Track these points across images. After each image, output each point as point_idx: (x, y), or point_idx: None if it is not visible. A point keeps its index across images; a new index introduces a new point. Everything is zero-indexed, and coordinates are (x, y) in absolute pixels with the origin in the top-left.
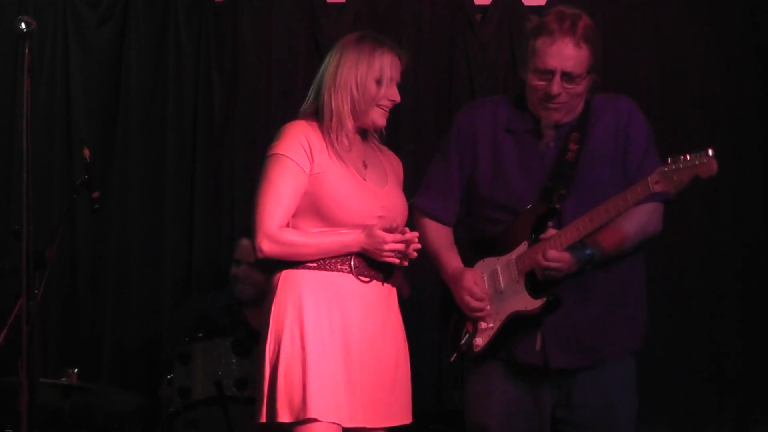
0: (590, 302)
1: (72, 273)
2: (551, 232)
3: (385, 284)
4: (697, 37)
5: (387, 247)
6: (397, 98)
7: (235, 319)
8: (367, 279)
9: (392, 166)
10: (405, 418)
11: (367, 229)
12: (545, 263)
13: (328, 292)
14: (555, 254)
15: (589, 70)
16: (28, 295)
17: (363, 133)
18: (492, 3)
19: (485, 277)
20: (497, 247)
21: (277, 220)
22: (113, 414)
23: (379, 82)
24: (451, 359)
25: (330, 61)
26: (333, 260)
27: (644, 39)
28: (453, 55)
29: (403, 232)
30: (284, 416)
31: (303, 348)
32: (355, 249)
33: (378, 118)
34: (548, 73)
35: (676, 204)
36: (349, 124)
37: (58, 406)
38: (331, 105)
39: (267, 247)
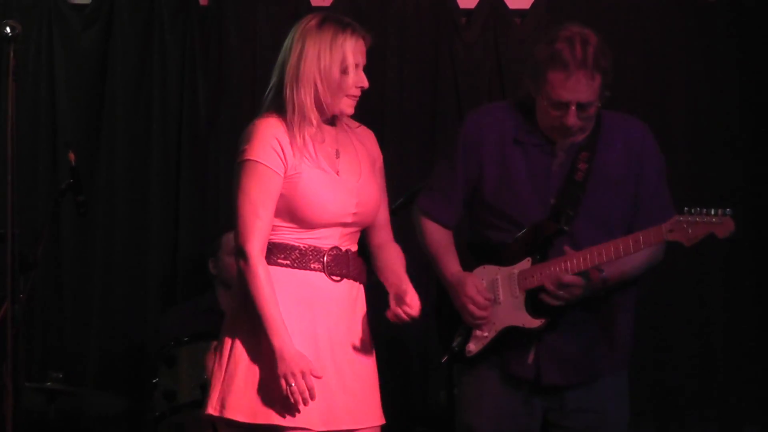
0: (584, 321)
1: (57, 276)
2: (567, 252)
3: (356, 283)
4: (683, 45)
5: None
6: (365, 84)
7: (217, 322)
8: (339, 278)
9: (365, 146)
10: (378, 419)
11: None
12: (557, 290)
13: (299, 291)
14: (571, 278)
15: (601, 93)
16: (13, 298)
17: (332, 118)
18: (477, 6)
19: (484, 285)
20: (499, 257)
21: (258, 240)
22: (98, 418)
23: (344, 72)
24: (442, 361)
25: (291, 52)
26: (306, 258)
27: (630, 48)
28: (438, 57)
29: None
30: (241, 415)
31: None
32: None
33: (346, 107)
34: (563, 105)
35: None
36: (313, 118)
37: (43, 410)
38: (294, 100)
39: (242, 266)
